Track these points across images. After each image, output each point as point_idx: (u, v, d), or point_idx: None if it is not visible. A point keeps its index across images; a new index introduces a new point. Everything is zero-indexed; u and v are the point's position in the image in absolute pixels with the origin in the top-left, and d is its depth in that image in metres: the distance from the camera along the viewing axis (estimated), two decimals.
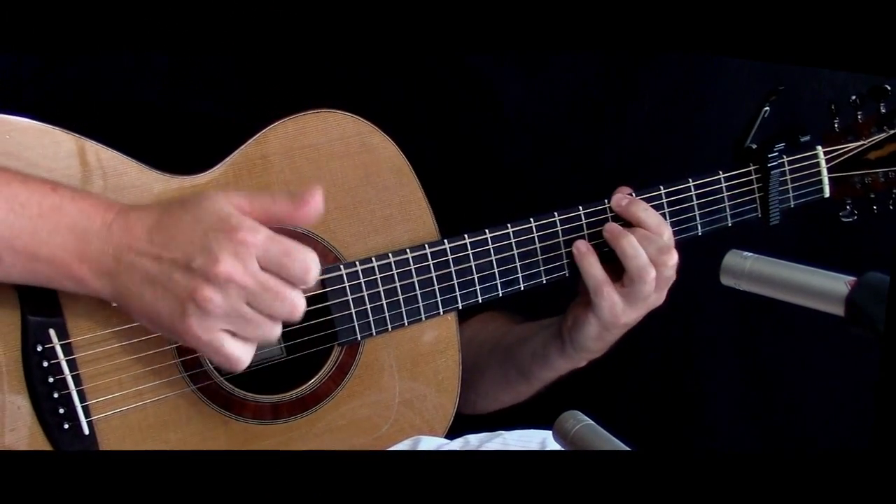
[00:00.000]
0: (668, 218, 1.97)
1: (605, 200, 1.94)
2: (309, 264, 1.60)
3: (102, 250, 1.58)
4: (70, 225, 1.58)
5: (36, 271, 1.59)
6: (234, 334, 1.60)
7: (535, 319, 2.13)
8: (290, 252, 1.59)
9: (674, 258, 1.90)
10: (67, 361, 1.68)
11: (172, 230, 1.59)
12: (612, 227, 1.90)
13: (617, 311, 1.89)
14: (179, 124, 1.99)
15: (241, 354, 1.61)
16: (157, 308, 1.59)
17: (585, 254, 1.89)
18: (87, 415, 1.69)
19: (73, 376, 1.68)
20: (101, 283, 1.60)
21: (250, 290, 1.57)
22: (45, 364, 1.67)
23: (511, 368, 2.09)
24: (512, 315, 2.18)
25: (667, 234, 1.90)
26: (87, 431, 1.70)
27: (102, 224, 1.59)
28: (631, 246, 1.87)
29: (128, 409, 1.73)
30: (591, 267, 1.89)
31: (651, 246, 1.88)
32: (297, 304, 1.60)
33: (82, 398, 1.69)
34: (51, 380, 1.67)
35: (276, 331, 1.62)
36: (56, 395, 1.67)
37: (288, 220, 1.64)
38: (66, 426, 1.68)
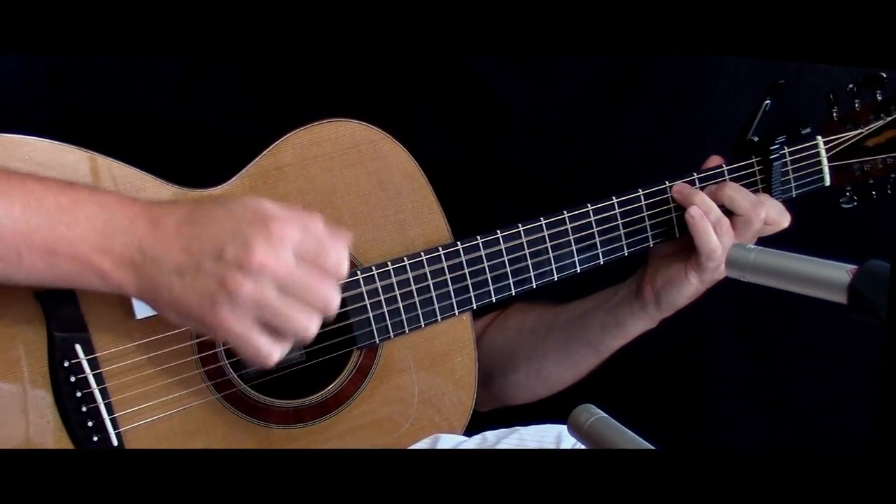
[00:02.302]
0: (672, 213, 2.01)
1: (613, 197, 1.97)
2: (342, 254, 1.60)
3: (126, 242, 1.54)
4: (90, 217, 1.54)
5: (56, 268, 1.55)
6: (265, 327, 1.57)
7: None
8: (324, 242, 1.59)
9: (764, 211, 1.98)
10: (94, 375, 1.70)
11: (203, 222, 1.56)
12: (708, 193, 1.99)
13: (721, 271, 1.97)
14: (194, 138, 2.00)
15: (271, 349, 1.58)
16: (187, 299, 1.55)
17: (700, 219, 1.95)
18: (115, 427, 1.72)
19: (100, 390, 1.70)
20: (124, 276, 1.56)
21: (283, 280, 1.54)
22: (73, 379, 1.68)
23: (576, 344, 2.14)
24: (538, 301, 2.21)
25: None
26: (115, 443, 1.72)
27: (125, 217, 1.56)
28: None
29: (154, 420, 1.75)
30: (708, 232, 1.95)
31: (745, 200, 1.97)
32: (330, 294, 1.59)
33: (110, 411, 1.71)
34: (78, 394, 1.69)
35: (310, 323, 1.59)
36: (84, 409, 1.69)
37: None
38: (95, 438, 1.70)
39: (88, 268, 1.55)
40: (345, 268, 1.61)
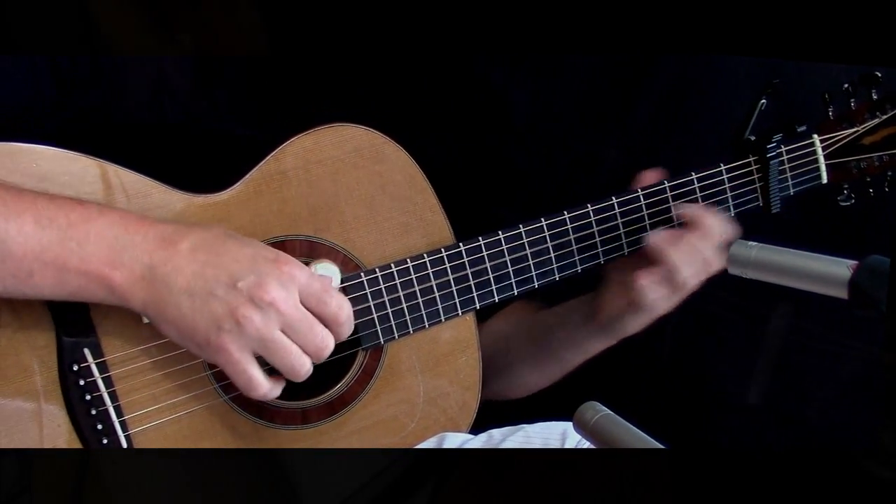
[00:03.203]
0: (672, 211, 2.02)
1: (612, 197, 1.98)
2: (343, 305, 1.70)
3: (136, 258, 1.60)
4: (100, 233, 1.59)
5: (66, 283, 1.59)
6: (260, 360, 1.66)
7: (552, 302, 2.19)
8: (329, 291, 1.69)
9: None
10: (103, 379, 1.71)
11: (218, 250, 1.63)
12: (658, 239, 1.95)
13: (665, 304, 1.96)
14: (198, 144, 2.01)
15: (261, 381, 1.67)
16: (194, 319, 1.62)
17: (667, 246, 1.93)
18: (124, 429, 1.73)
19: (109, 393, 1.72)
20: (133, 290, 1.61)
21: (288, 320, 1.64)
22: (82, 382, 1.70)
23: (543, 356, 2.16)
24: (530, 302, 2.21)
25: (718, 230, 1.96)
26: (125, 445, 1.73)
27: (136, 233, 1.61)
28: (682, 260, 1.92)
29: (163, 422, 1.76)
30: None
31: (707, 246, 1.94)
32: (326, 341, 1.69)
33: (119, 413, 1.72)
34: (88, 397, 1.70)
35: (303, 364, 1.68)
36: (94, 412, 1.71)
37: None
38: (105, 441, 1.71)
39: (98, 282, 1.60)
40: (344, 314, 1.70)
